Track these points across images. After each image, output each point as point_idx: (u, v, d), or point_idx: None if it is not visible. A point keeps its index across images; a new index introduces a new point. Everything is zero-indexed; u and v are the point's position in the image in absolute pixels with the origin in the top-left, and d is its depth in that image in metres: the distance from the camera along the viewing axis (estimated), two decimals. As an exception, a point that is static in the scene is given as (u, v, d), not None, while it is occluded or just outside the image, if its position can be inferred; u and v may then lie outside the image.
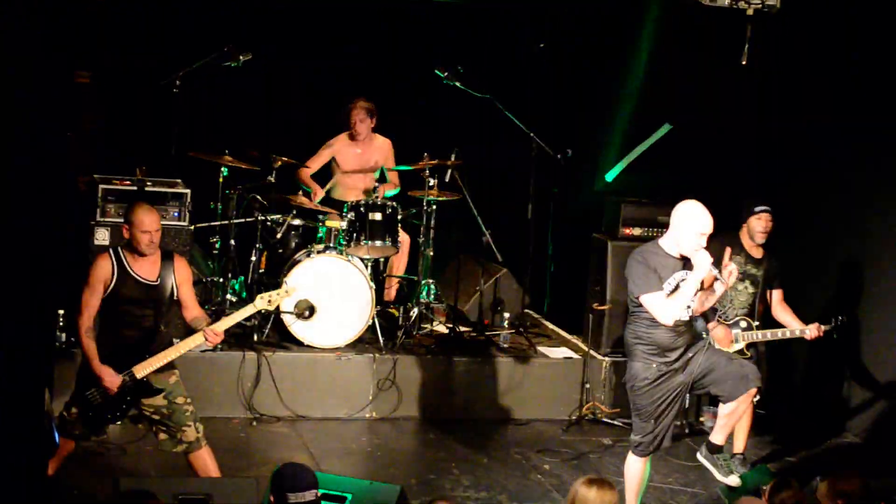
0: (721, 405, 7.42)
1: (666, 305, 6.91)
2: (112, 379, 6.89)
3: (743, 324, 8.38)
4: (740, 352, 8.28)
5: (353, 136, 9.89)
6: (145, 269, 7.03)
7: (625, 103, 10.60)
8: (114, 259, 7.00)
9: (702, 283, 7.03)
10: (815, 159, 9.69)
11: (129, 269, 6.99)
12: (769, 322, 8.48)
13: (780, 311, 8.50)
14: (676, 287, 6.96)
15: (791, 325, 8.42)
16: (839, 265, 9.54)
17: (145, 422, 7.17)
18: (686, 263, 6.98)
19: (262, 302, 7.22)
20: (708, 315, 8.11)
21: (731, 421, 7.48)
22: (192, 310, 7.14)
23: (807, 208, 9.76)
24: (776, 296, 8.53)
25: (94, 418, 7.01)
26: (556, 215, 10.58)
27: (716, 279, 7.01)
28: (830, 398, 9.59)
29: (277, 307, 8.51)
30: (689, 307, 7.02)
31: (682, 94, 10.34)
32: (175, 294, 7.08)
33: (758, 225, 8.44)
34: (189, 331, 7.12)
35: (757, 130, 10.15)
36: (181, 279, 7.11)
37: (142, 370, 6.94)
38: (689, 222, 6.93)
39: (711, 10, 8.56)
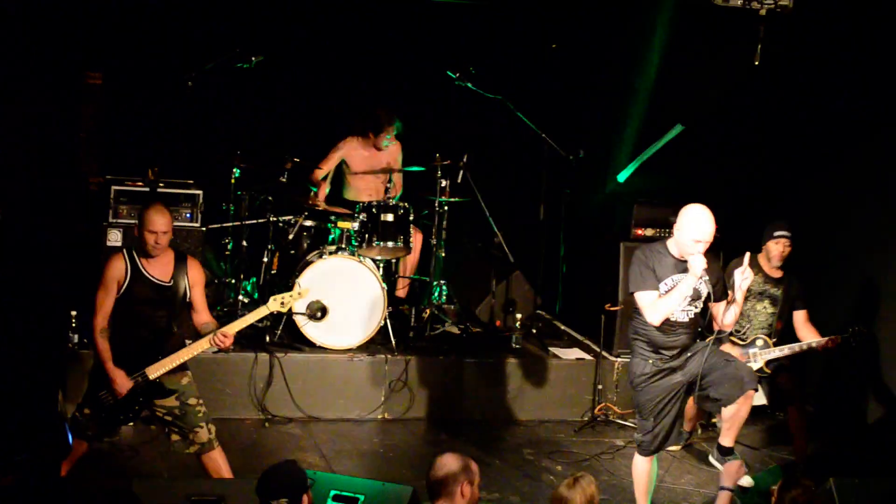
0: (722, 409, 7.43)
1: (656, 305, 6.95)
2: (123, 382, 6.90)
3: (760, 342, 8.37)
4: (760, 370, 8.27)
5: (366, 139, 9.86)
6: (158, 269, 7.04)
7: (637, 104, 10.58)
8: (127, 259, 7.01)
9: (727, 296, 7.05)
10: (833, 158, 9.66)
11: (142, 269, 7.00)
12: (789, 341, 8.45)
13: (805, 331, 8.45)
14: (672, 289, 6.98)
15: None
16: (859, 276, 9.47)
17: (158, 423, 7.19)
18: (686, 265, 6.99)
19: (274, 304, 7.22)
20: (722, 337, 8.09)
21: (736, 423, 7.47)
22: (203, 314, 7.15)
23: (826, 213, 9.72)
24: (800, 317, 8.49)
25: (107, 419, 7.02)
26: (568, 216, 10.56)
27: (731, 296, 7.03)
28: (847, 402, 9.55)
29: (290, 308, 8.50)
30: (691, 310, 7.02)
31: (695, 95, 10.32)
32: (188, 296, 7.09)
33: (775, 249, 8.47)
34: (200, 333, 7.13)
35: (770, 131, 10.13)
36: (194, 281, 7.11)
37: (154, 371, 6.95)
38: (687, 228, 6.95)
39: (724, 10, 8.55)
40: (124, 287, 6.97)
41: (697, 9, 9.21)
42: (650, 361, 7.09)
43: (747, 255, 7.23)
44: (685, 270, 6.95)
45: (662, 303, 6.95)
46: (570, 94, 10.92)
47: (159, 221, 6.98)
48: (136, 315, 6.99)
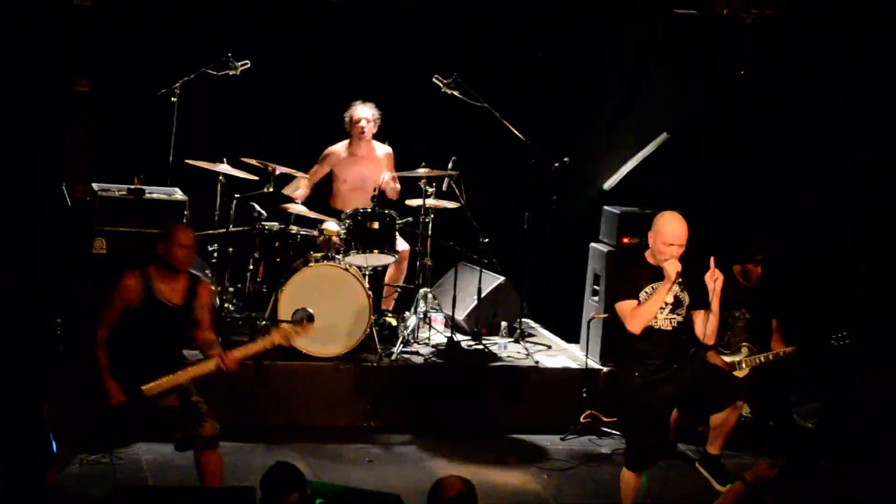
0: (711, 417, 7.44)
1: (636, 313, 6.98)
2: (118, 397, 6.86)
3: (744, 350, 8.41)
4: (745, 377, 8.29)
5: (349, 143, 9.86)
6: (171, 293, 7.03)
7: (623, 112, 10.60)
8: (142, 281, 6.99)
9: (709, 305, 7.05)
10: (819, 168, 9.69)
11: (155, 293, 6.98)
12: (770, 346, 8.49)
13: (775, 339, 8.54)
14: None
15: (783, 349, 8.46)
16: (841, 282, 9.50)
17: (160, 425, 7.10)
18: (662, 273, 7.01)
19: (278, 337, 7.19)
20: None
21: (723, 431, 7.48)
22: (206, 332, 7.12)
23: (808, 220, 9.75)
24: (773, 324, 8.57)
25: (93, 430, 6.97)
26: (554, 224, 10.56)
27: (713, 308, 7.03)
28: (828, 413, 9.56)
29: (274, 316, 8.50)
30: (674, 318, 7.04)
31: (681, 103, 10.34)
32: (194, 316, 7.06)
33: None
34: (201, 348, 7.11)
35: (757, 140, 10.16)
36: (203, 303, 7.12)
37: (151, 391, 6.89)
38: (660, 233, 7.00)
39: (710, 19, 8.59)
40: (135, 308, 6.95)
41: (684, 17, 9.24)
42: (638, 374, 7.07)
43: (712, 258, 7.22)
44: (663, 278, 6.98)
45: (642, 310, 6.97)
46: (556, 101, 10.93)
47: (186, 237, 7.04)
48: (140, 333, 6.96)
